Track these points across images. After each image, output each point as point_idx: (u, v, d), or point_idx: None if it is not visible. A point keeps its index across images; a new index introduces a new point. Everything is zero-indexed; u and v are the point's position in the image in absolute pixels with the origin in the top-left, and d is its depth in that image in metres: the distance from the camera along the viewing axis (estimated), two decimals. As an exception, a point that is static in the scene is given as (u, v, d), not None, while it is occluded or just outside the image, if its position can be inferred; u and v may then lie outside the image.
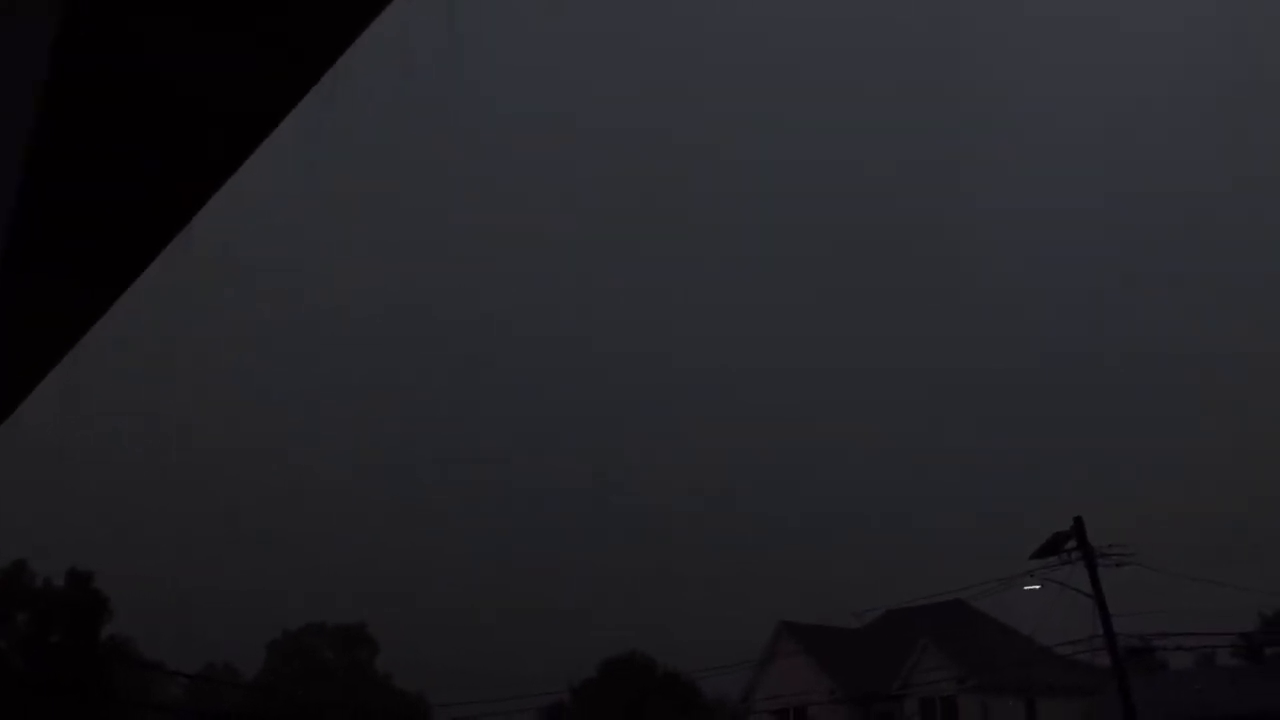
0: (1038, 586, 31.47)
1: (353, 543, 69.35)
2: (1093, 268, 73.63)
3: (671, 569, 67.64)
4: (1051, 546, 30.47)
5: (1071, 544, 29.95)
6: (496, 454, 72.72)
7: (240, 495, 66.87)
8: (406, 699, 58.38)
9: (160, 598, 53.68)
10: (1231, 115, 71.94)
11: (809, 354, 74.78)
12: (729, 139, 78.62)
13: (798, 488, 69.51)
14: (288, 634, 60.65)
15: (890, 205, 75.39)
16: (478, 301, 77.16)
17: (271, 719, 52.43)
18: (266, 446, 70.11)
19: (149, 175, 3.54)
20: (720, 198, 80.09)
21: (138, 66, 2.92)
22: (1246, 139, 72.04)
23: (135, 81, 2.98)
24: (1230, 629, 37.04)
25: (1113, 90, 76.66)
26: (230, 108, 3.03)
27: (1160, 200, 72.25)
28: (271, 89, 2.93)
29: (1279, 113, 71.94)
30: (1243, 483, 54.31)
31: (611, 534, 69.19)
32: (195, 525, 65.50)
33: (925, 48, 75.18)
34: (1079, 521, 30.06)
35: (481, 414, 76.81)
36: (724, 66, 79.35)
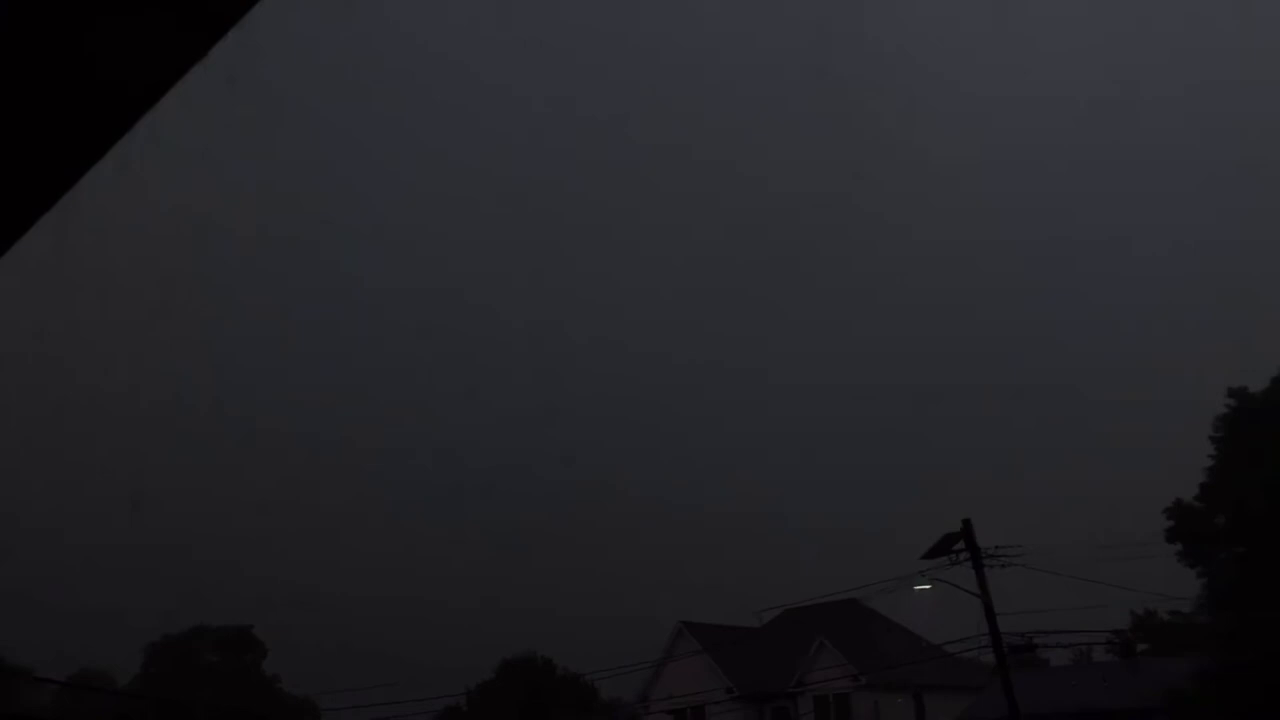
0: (928, 586, 32.52)
1: (245, 543, 66.94)
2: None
3: (574, 569, 67.47)
4: (941, 547, 31.52)
5: (960, 545, 31.04)
6: (395, 449, 71.23)
7: (123, 491, 63.83)
8: (294, 703, 56.70)
9: (29, 602, 50.79)
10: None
11: (717, 349, 75.37)
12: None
13: (706, 487, 70.05)
14: (169, 638, 58.34)
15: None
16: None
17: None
18: (157, 440, 67.14)
19: (15, 150, 3.23)
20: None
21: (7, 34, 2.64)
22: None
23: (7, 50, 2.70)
24: (1105, 628, 38.83)
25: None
26: (112, 79, 2.76)
27: (1051, 218, 75.63)
28: (160, 59, 2.67)
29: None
30: (1122, 483, 57.21)
31: (512, 533, 68.56)
32: (73, 523, 62.21)
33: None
34: (967, 524, 31.16)
35: (382, 406, 75.13)
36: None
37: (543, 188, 74.56)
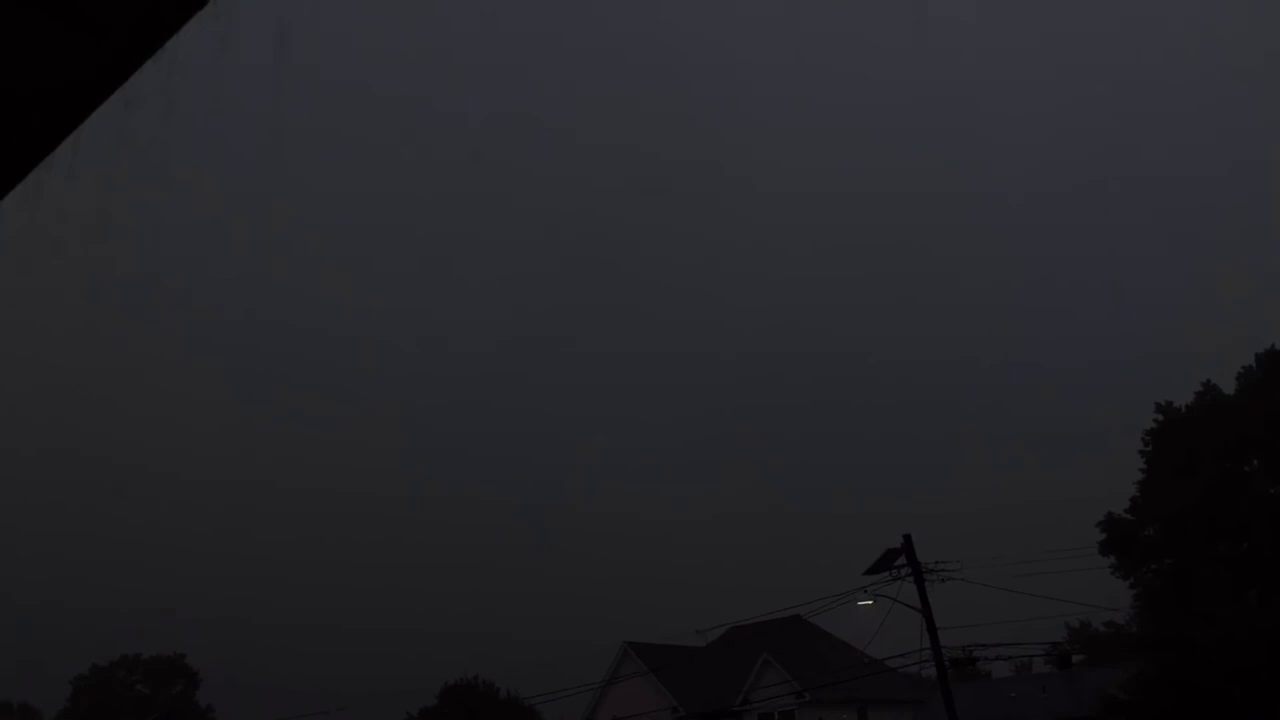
0: (870, 602, 32.77)
1: (181, 572, 65.03)
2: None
3: (520, 592, 66.72)
4: (883, 563, 31.82)
5: (902, 560, 31.36)
6: (336, 473, 69.88)
7: (56, 524, 61.55)
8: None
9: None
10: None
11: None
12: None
13: (644, 500, 69.79)
14: (97, 669, 56.37)
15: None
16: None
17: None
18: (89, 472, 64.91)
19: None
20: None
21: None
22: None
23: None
24: (1043, 640, 39.52)
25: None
26: (43, 85, 2.68)
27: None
28: (92, 66, 2.60)
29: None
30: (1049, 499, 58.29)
31: (459, 556, 67.65)
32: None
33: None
34: (908, 539, 31.52)
35: (317, 433, 73.74)
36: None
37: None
